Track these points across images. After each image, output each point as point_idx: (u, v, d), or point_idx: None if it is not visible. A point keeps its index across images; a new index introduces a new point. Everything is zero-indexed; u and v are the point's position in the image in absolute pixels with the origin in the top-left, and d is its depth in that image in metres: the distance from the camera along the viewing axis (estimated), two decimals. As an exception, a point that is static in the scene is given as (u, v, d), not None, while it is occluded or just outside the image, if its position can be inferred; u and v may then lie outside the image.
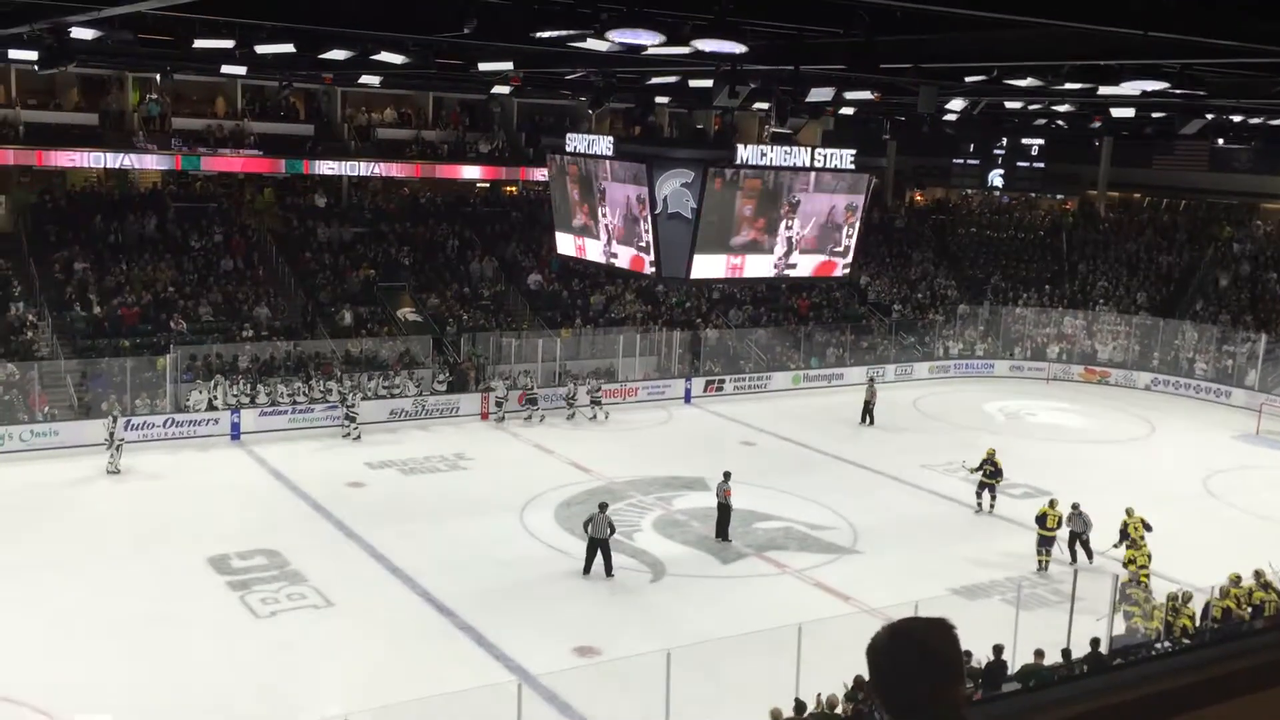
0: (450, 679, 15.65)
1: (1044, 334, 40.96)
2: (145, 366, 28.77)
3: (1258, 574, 17.33)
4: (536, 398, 31.22)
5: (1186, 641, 15.59)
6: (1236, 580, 16.99)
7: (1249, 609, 16.57)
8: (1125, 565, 19.35)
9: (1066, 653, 14.83)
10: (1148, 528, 20.05)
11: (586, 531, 19.88)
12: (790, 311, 39.63)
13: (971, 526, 23.59)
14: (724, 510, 21.96)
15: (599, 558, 19.70)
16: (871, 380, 33.66)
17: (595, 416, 31.42)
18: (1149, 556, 19.53)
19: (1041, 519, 21.16)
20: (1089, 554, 21.02)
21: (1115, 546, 20.18)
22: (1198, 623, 16.35)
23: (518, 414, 30.71)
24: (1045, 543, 21.00)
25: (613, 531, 19.78)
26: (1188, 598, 16.76)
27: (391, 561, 20.18)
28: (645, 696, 13.70)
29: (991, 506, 24.12)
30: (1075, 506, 21.30)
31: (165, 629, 17.07)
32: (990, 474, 24.12)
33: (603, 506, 20.16)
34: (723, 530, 21.92)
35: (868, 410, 31.94)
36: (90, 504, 22.93)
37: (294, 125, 38.10)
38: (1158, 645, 16.19)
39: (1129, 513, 20.34)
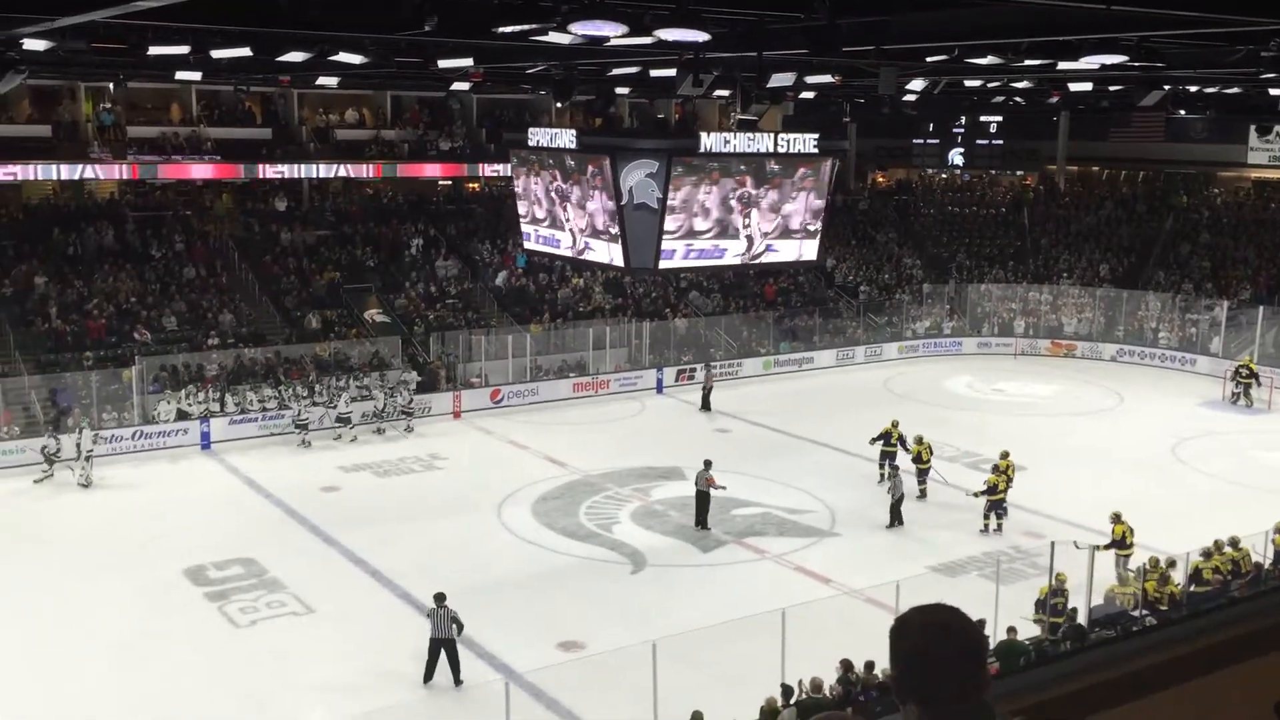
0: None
1: (1010, 309, 41.27)
2: (111, 379, 28.44)
3: (1233, 540, 17.55)
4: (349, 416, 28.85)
5: (1164, 609, 15.79)
6: (1220, 546, 17.20)
7: (1230, 571, 16.78)
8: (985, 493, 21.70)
9: (1052, 626, 14.96)
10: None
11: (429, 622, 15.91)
12: (758, 298, 39.71)
13: (947, 505, 23.70)
14: (703, 498, 21.97)
15: (443, 660, 15.69)
16: (708, 366, 33.44)
17: (409, 427, 29.23)
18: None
19: (918, 456, 23.68)
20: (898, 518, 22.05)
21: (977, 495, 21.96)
22: (1183, 588, 16.52)
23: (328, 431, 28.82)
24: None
25: (460, 630, 15.76)
26: (1171, 563, 16.92)
27: (370, 565, 20.08)
28: (632, 689, 13.72)
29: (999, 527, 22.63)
30: (896, 469, 22.40)
31: (145, 644, 16.91)
32: (904, 452, 23.99)
33: (439, 599, 15.83)
34: (702, 518, 21.94)
35: (705, 398, 31.89)
36: (62, 520, 22.65)
37: (251, 130, 37.74)
38: (1135, 614, 16.39)
39: (1004, 456, 22.53)
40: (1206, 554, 17.10)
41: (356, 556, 20.49)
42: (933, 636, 2.26)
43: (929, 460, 24.12)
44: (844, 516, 22.76)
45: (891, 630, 2.30)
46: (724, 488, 22.16)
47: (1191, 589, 16.52)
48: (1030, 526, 21.75)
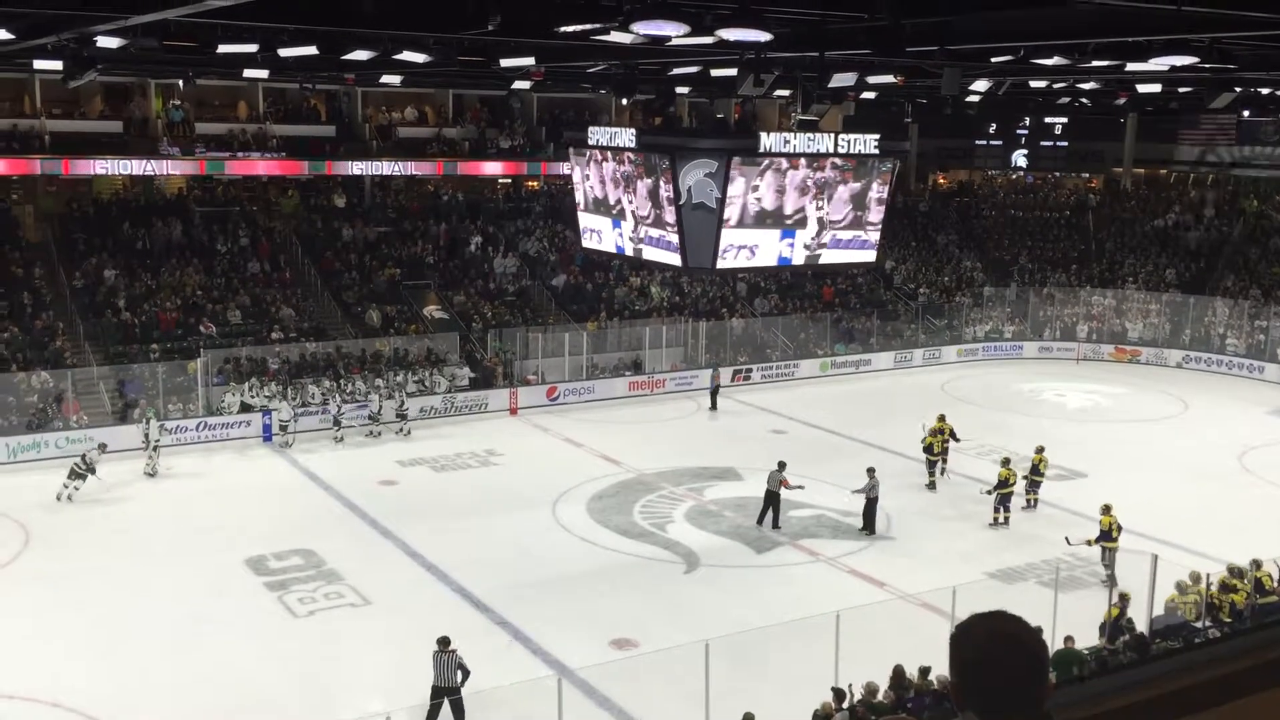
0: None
1: (1072, 314, 40.67)
2: (177, 371, 29.00)
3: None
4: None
5: (1229, 621, 15.48)
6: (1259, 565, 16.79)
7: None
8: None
9: (1112, 634, 14.72)
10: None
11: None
12: (815, 299, 39.51)
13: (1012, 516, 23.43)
14: (772, 498, 21.98)
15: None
16: (715, 366, 33.46)
17: (403, 430, 28.62)
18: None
19: (929, 448, 24.45)
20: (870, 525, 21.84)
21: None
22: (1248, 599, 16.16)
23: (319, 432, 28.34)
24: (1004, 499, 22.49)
25: (465, 678, 14.23)
26: (1238, 573, 16.52)
27: (426, 558, 20.27)
28: (684, 688, 13.71)
29: (1033, 503, 23.36)
30: (870, 472, 21.98)
31: (206, 630, 17.21)
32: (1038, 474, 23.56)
33: (443, 643, 14.41)
34: (774, 518, 21.98)
35: (713, 397, 32.16)
36: (129, 508, 23.13)
37: (316, 127, 38.29)
38: (1198, 625, 16.08)
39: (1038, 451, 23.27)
40: (1256, 564, 16.67)
41: (413, 550, 20.70)
42: (995, 645, 2.24)
43: (939, 452, 24.86)
44: (899, 519, 22.58)
45: (952, 636, 2.29)
46: (801, 487, 22.17)
47: (1258, 600, 16.17)
48: (1091, 534, 21.40)
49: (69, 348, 29.55)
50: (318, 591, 18.75)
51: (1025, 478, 23.27)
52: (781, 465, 22.14)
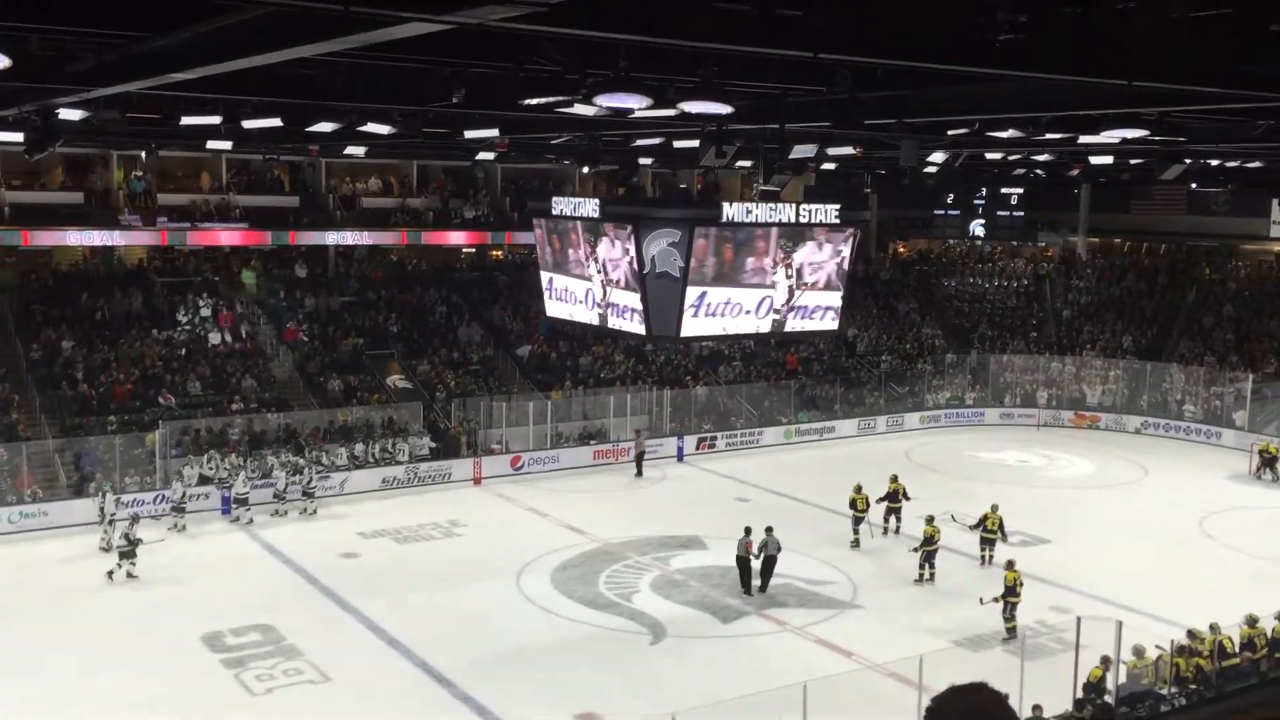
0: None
1: (1032, 380, 41.10)
2: (134, 443, 28.58)
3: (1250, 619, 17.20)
4: (246, 497, 27.15)
5: (1194, 687, 15.48)
6: (1253, 620, 16.87)
7: (1265, 647, 16.44)
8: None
9: (1079, 703, 14.67)
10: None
11: None
12: (779, 366, 39.70)
13: (969, 577, 23.44)
14: (742, 563, 22.00)
15: None
16: (638, 432, 33.42)
17: (307, 510, 27.56)
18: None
19: (853, 503, 25.21)
20: (765, 583, 22.12)
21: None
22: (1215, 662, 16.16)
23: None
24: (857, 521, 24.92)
25: None
26: (1196, 637, 16.58)
27: (388, 632, 19.94)
28: (652, 762, 13.50)
29: (989, 560, 23.83)
30: (768, 530, 22.14)
31: (161, 709, 16.78)
32: (990, 529, 23.99)
33: None
34: (746, 584, 22.05)
35: (638, 464, 32.16)
36: (82, 583, 22.62)
37: (279, 197, 38.33)
38: (1163, 692, 16.06)
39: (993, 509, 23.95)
40: (1214, 629, 16.71)
41: (374, 624, 20.36)
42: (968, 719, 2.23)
43: (865, 510, 25.40)
44: (866, 588, 22.51)
45: (927, 711, 2.28)
46: (759, 556, 22.03)
47: (1220, 665, 16.19)
48: (1057, 601, 21.44)
49: (24, 420, 29.10)
50: (276, 668, 18.36)
51: (981, 535, 23.98)
52: (747, 530, 22.11)
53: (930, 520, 23.16)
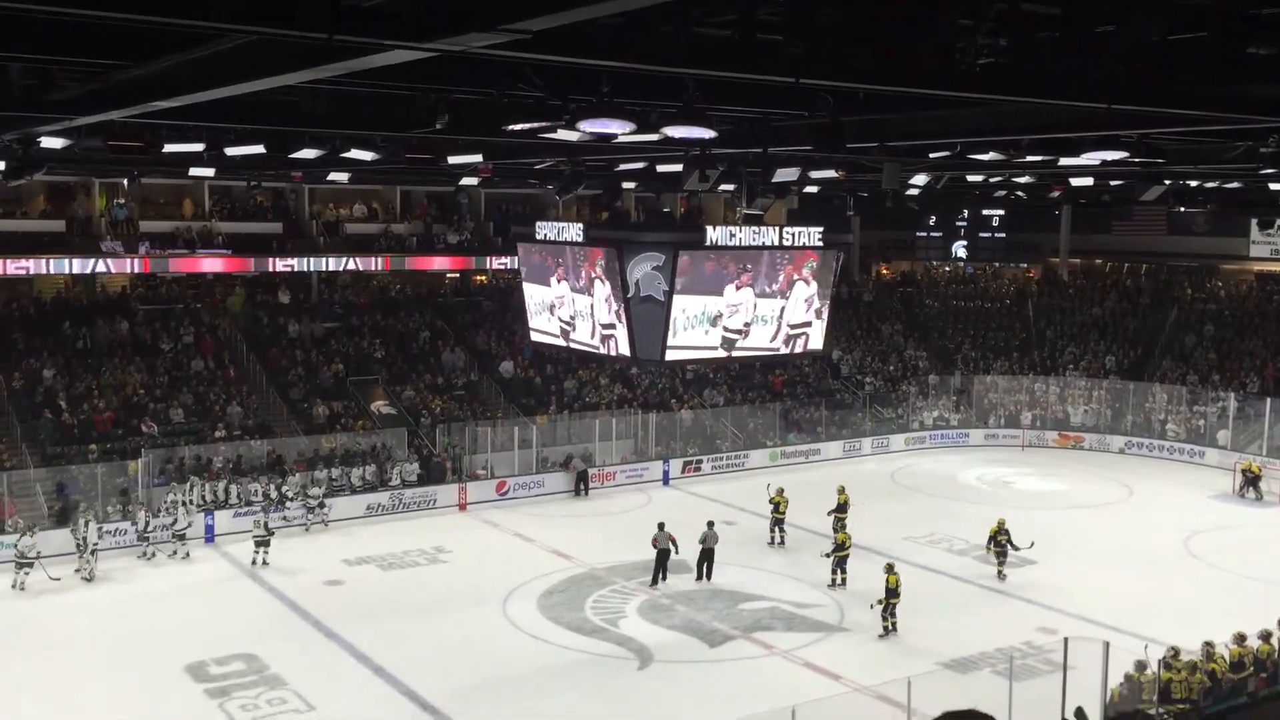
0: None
1: (1016, 401, 41.23)
2: (117, 472, 28.37)
3: (1265, 634, 17.21)
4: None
5: (1184, 707, 15.46)
6: (1241, 639, 16.87)
7: (1252, 665, 16.44)
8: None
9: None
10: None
11: None
12: (764, 389, 39.73)
13: (956, 598, 23.46)
14: (662, 556, 23.93)
15: None
16: (570, 457, 33.59)
17: (176, 553, 26.14)
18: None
19: (775, 505, 26.79)
20: (708, 571, 24.04)
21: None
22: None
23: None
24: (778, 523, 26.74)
25: None
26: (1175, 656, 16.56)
27: (373, 660, 19.79)
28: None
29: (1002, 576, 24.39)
30: (709, 524, 24.34)
31: (143, 742, 16.61)
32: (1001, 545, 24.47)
33: None
34: (657, 576, 23.93)
35: (582, 481, 32.81)
36: (65, 614, 22.41)
37: (262, 224, 38.24)
38: (1151, 714, 16.04)
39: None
40: (1209, 646, 16.68)
41: (359, 652, 20.21)
42: None
43: (785, 512, 26.93)
44: (852, 610, 22.45)
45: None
46: (702, 545, 24.09)
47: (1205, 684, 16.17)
48: (1044, 622, 21.45)
49: (5, 449, 28.87)
50: (260, 698, 18.19)
51: (989, 549, 24.69)
52: (660, 526, 24.10)
53: (842, 526, 24.39)
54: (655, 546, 23.98)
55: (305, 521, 28.35)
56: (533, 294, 19.51)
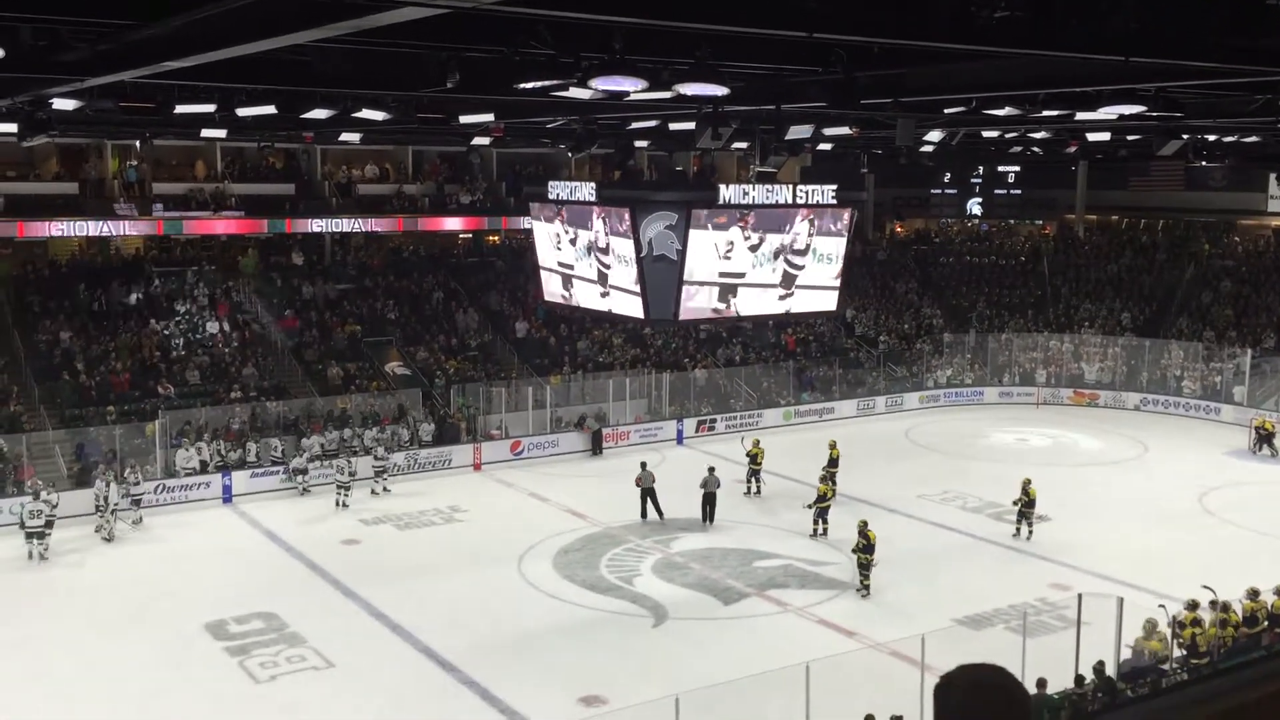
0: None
1: (1031, 359, 41.10)
2: (134, 433, 28.58)
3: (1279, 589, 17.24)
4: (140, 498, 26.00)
5: (1196, 661, 15.52)
6: (1255, 594, 16.91)
7: (1266, 620, 16.49)
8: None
9: (1080, 679, 14.72)
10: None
11: None
12: (778, 348, 39.69)
13: (970, 555, 23.52)
14: (648, 494, 25.57)
15: None
16: (583, 417, 33.63)
17: (136, 520, 25.59)
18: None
19: (753, 457, 27.72)
20: (711, 514, 25.09)
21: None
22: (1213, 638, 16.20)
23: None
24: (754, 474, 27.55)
25: None
26: (1193, 606, 16.61)
27: (391, 619, 19.98)
28: (655, 744, 13.54)
29: (1029, 535, 24.27)
30: (710, 470, 25.24)
31: (166, 699, 16.84)
32: (1025, 504, 24.30)
33: None
34: (646, 511, 25.49)
35: (597, 441, 32.90)
36: (85, 574, 22.68)
37: (275, 185, 38.23)
38: (1165, 668, 16.11)
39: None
40: (1224, 605, 16.74)
41: (377, 610, 20.41)
42: (978, 696, 2.23)
43: (762, 462, 27.81)
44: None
45: (936, 688, 2.28)
46: (703, 488, 25.07)
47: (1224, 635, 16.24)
48: (1058, 578, 21.52)
49: (24, 411, 29.09)
50: (279, 655, 18.41)
51: (1017, 509, 24.45)
52: (643, 465, 25.90)
53: (824, 479, 25.23)
54: (639, 485, 25.59)
55: (379, 481, 28.57)
56: (545, 254, 19.46)
